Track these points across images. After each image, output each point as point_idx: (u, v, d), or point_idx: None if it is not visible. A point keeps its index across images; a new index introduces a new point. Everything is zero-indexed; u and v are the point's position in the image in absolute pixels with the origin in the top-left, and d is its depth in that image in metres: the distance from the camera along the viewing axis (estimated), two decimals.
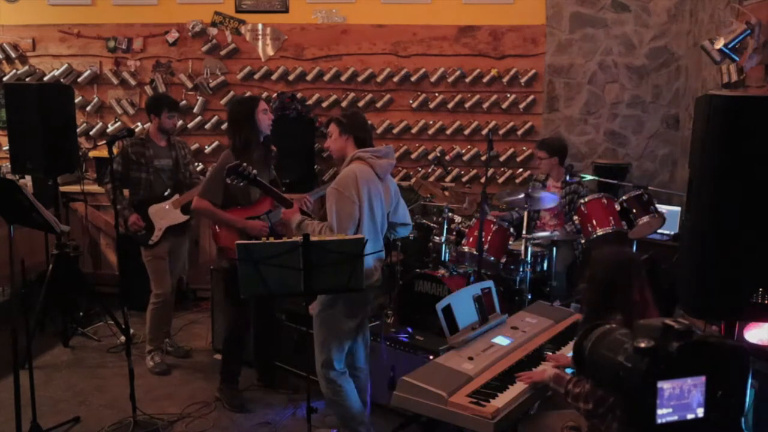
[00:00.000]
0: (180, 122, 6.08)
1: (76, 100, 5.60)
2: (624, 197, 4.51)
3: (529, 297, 4.39)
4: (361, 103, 6.00)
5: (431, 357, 3.39)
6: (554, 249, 4.66)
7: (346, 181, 3.12)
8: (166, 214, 4.41)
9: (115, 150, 3.65)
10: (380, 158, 3.27)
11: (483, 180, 4.79)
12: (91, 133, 6.24)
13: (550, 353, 3.08)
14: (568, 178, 4.96)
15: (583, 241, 4.53)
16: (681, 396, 1.48)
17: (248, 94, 6.09)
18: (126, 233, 4.40)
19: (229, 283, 4.00)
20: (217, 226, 3.90)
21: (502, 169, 6.05)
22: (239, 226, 3.81)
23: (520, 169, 6.02)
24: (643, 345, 1.49)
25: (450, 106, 5.99)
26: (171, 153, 4.49)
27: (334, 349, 3.29)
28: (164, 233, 4.42)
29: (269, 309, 4.26)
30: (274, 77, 6.09)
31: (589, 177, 5.18)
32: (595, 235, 4.38)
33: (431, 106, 6.01)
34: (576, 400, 2.44)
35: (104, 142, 3.80)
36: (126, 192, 4.51)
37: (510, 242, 4.62)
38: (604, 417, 2.37)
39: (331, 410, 3.49)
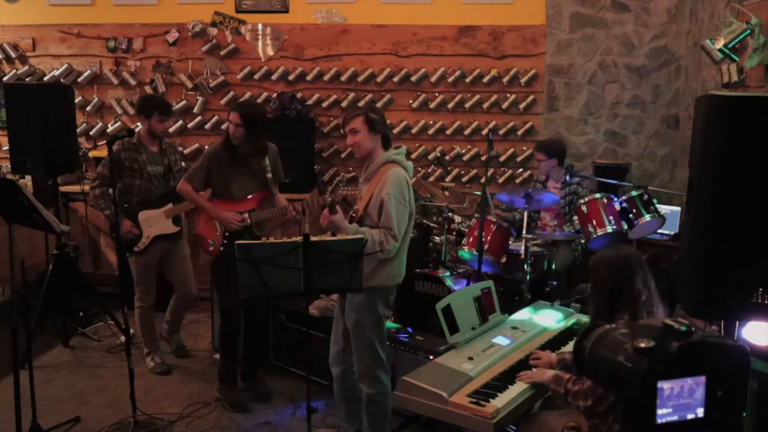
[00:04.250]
0: (179, 122, 6.09)
1: (76, 100, 5.59)
2: (624, 197, 4.51)
3: (529, 297, 4.39)
4: (361, 103, 5.99)
5: (431, 357, 3.39)
6: (554, 249, 4.66)
7: (401, 188, 3.17)
8: (156, 222, 4.36)
9: (114, 149, 3.64)
10: (408, 161, 3.34)
11: (483, 180, 4.79)
12: (91, 133, 6.24)
13: (539, 351, 3.07)
14: (568, 178, 4.97)
15: (583, 241, 4.54)
16: (681, 396, 1.48)
17: (248, 94, 6.09)
18: (117, 238, 4.39)
19: (216, 277, 4.13)
20: (198, 213, 4.07)
21: (502, 169, 6.05)
22: (213, 215, 3.95)
23: (520, 169, 6.02)
24: (643, 345, 1.49)
25: (450, 106, 5.99)
26: (163, 160, 4.43)
27: (384, 349, 3.34)
28: (153, 242, 4.38)
29: (258, 306, 4.24)
30: (274, 77, 6.09)
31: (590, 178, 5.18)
32: (595, 236, 4.38)
33: (431, 106, 6.01)
34: (576, 398, 2.45)
35: (104, 142, 3.80)
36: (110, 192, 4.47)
37: (510, 242, 4.62)
38: (605, 416, 2.37)
39: (371, 414, 3.36)
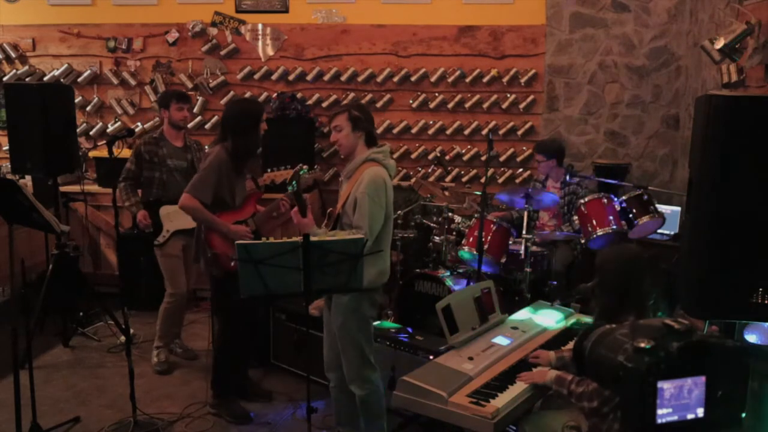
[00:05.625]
0: None
1: (76, 100, 5.60)
2: (624, 197, 4.51)
3: (529, 297, 4.39)
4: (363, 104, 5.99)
5: (431, 357, 3.39)
6: (554, 249, 4.65)
7: (377, 188, 3.13)
8: (176, 217, 4.36)
9: (116, 150, 3.64)
10: (390, 159, 3.30)
11: (483, 180, 4.79)
12: (91, 133, 6.25)
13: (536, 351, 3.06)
14: (568, 178, 4.97)
15: (582, 241, 4.54)
16: (681, 396, 1.48)
17: (248, 94, 6.09)
18: (135, 231, 4.42)
19: (220, 293, 3.87)
20: (210, 232, 3.74)
21: (502, 169, 6.05)
22: (224, 230, 3.69)
23: (520, 169, 6.02)
24: (643, 345, 1.49)
25: (450, 106, 5.99)
26: (186, 155, 4.48)
27: (372, 349, 3.31)
28: (175, 234, 4.40)
29: (251, 314, 4.16)
30: (274, 77, 6.10)
31: (590, 177, 5.18)
32: (594, 236, 4.37)
33: (431, 106, 6.01)
34: (580, 399, 2.44)
35: (104, 142, 3.80)
36: (139, 191, 4.51)
37: (510, 242, 4.62)
38: (606, 416, 2.37)
39: (365, 413, 3.34)
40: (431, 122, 6.04)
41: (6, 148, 4.89)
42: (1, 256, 4.40)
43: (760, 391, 2.71)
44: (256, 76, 6.11)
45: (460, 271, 4.56)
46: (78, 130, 5.62)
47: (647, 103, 5.93)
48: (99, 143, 6.15)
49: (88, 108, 6.22)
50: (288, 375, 4.37)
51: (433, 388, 2.65)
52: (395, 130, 6.04)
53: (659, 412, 1.47)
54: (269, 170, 4.00)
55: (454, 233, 4.85)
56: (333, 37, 6.07)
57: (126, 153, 4.64)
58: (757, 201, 2.13)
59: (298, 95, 6.00)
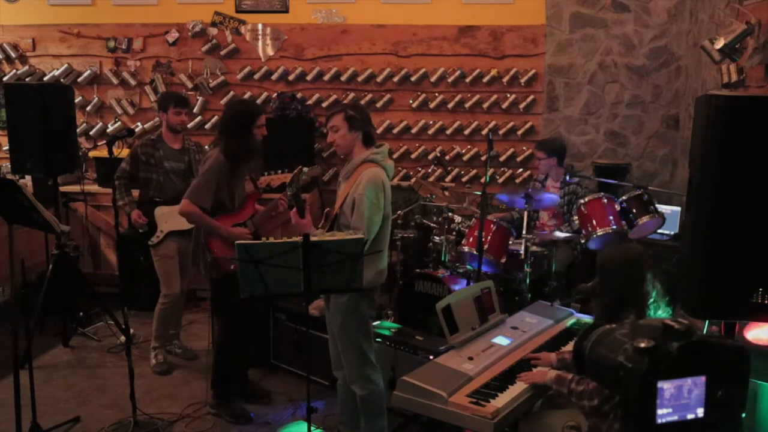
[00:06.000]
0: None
1: (76, 100, 5.60)
2: (624, 197, 4.51)
3: (529, 297, 4.39)
4: (361, 103, 5.99)
5: (431, 357, 3.39)
6: (554, 249, 4.65)
7: (375, 190, 3.13)
8: (171, 218, 4.36)
9: (116, 150, 3.65)
10: (388, 160, 3.29)
11: (483, 180, 4.79)
12: (91, 133, 6.25)
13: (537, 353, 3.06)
14: (567, 178, 4.97)
15: (582, 241, 4.53)
16: (681, 396, 1.48)
17: (248, 94, 6.09)
18: (131, 230, 4.42)
19: (219, 293, 3.87)
20: (210, 236, 3.73)
21: (502, 169, 6.05)
22: (224, 234, 3.69)
23: (520, 169, 6.02)
24: (643, 345, 1.49)
25: (450, 106, 5.99)
26: (183, 157, 4.48)
27: (371, 348, 3.30)
28: (170, 235, 4.40)
29: (251, 314, 4.17)
30: (274, 77, 6.09)
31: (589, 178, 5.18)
32: (594, 236, 4.37)
33: (431, 106, 6.01)
34: (580, 398, 2.44)
35: (104, 142, 3.80)
36: (135, 192, 4.52)
37: (510, 242, 4.62)
38: (606, 415, 2.37)
39: (366, 412, 3.33)
40: (431, 122, 6.04)
41: (6, 148, 4.90)
42: (1, 256, 4.40)
43: (760, 391, 2.71)
44: (256, 76, 6.11)
45: (460, 271, 4.56)
46: (78, 130, 5.62)
47: (647, 103, 5.93)
48: (99, 143, 6.15)
49: (88, 108, 6.22)
50: (288, 375, 4.37)
51: (433, 388, 2.65)
52: (395, 130, 6.04)
53: (659, 412, 1.47)
54: (266, 173, 3.98)
55: (454, 233, 4.85)
56: (333, 37, 6.07)
57: (126, 153, 4.64)
58: (757, 201, 2.12)
59: (298, 95, 6.00)
